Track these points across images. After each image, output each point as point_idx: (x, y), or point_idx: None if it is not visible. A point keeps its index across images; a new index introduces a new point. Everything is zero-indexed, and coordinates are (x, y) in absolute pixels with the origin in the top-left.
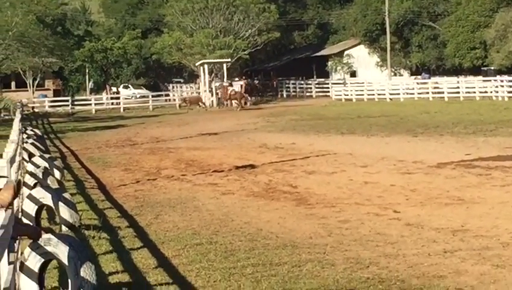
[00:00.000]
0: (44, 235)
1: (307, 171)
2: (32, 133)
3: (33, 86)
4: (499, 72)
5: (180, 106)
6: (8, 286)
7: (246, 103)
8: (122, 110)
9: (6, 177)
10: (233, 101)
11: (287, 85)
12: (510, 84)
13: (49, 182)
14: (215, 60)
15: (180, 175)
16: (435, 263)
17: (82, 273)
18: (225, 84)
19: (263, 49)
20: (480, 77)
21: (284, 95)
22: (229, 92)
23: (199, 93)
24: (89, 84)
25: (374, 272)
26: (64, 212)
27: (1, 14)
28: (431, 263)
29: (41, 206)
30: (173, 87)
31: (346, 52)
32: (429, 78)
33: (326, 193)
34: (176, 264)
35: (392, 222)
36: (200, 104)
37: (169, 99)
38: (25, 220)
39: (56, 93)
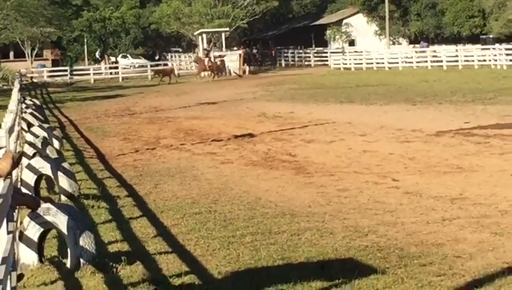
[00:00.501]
0: (44, 205)
1: (306, 140)
2: (31, 103)
3: (31, 56)
4: (498, 40)
5: (152, 78)
6: (7, 255)
7: (244, 72)
8: (120, 80)
9: (5, 147)
10: (205, 73)
11: (285, 54)
12: (508, 52)
13: (48, 151)
14: (214, 30)
15: (179, 144)
16: (434, 231)
17: (81, 243)
18: (201, 55)
19: (261, 18)
20: (479, 45)
21: (283, 64)
22: (205, 63)
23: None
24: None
25: (372, 240)
26: (64, 182)
27: None
28: (429, 231)
29: (40, 176)
30: (171, 56)
31: (344, 21)
32: (428, 46)
33: (325, 161)
34: (175, 233)
35: (391, 190)
36: (172, 76)
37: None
38: (24, 190)
39: (54, 63)
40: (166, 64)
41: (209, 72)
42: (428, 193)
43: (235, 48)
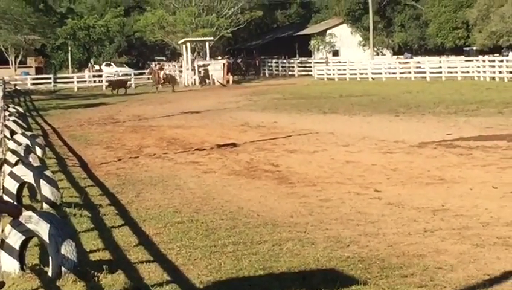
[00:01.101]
0: (25, 213)
1: (289, 150)
2: (14, 110)
3: (15, 64)
4: (481, 52)
5: (106, 88)
6: None
7: (228, 82)
8: (104, 88)
9: None
10: (159, 85)
11: (269, 64)
12: (492, 64)
13: (30, 159)
14: (198, 39)
15: (162, 153)
16: (415, 242)
17: (63, 251)
18: (154, 68)
19: (246, 28)
20: (462, 57)
21: (267, 74)
22: (160, 75)
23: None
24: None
25: (354, 251)
26: (46, 190)
27: None
28: (411, 242)
29: (22, 184)
30: (155, 65)
31: (328, 32)
32: (411, 57)
33: (308, 171)
34: (157, 242)
35: (373, 201)
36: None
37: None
38: (6, 198)
39: (38, 70)
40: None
41: (161, 84)
42: (411, 204)
43: (219, 57)
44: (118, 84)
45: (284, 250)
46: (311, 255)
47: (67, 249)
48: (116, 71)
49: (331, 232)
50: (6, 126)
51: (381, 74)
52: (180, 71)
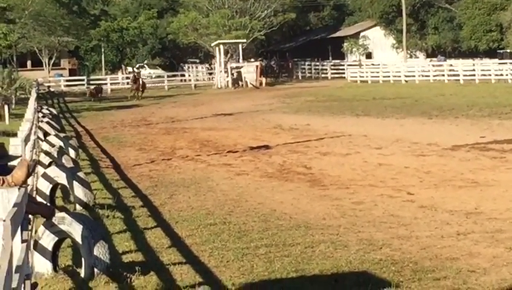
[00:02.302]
0: (58, 214)
1: (321, 153)
2: (47, 112)
3: (49, 65)
4: None
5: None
6: (20, 264)
7: (261, 84)
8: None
9: (21, 155)
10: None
11: (302, 66)
12: None
13: (64, 161)
14: (231, 41)
15: (194, 155)
16: (448, 245)
17: (95, 252)
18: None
19: (279, 30)
20: (496, 60)
21: (300, 76)
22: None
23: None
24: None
25: (386, 253)
26: (79, 191)
27: None
28: (444, 245)
29: (55, 185)
30: (188, 67)
31: (362, 34)
32: (445, 60)
33: (340, 174)
34: (189, 244)
35: (406, 203)
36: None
37: (185, 80)
38: (39, 199)
39: (72, 72)
40: (183, 75)
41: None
42: (443, 207)
43: (252, 60)
44: (92, 93)
45: (316, 252)
46: (344, 258)
47: (100, 251)
48: (150, 73)
49: (364, 235)
50: (39, 128)
51: (414, 76)
52: (210, 73)
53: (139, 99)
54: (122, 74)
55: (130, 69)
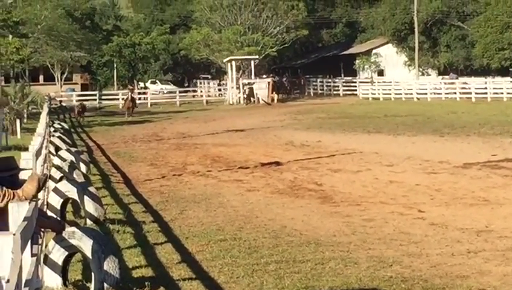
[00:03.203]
0: (69, 229)
1: (333, 169)
2: (59, 126)
3: (61, 80)
4: None
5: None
6: (30, 278)
7: (273, 100)
8: (149, 105)
9: (31, 169)
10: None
11: (314, 83)
12: None
13: (75, 175)
14: (243, 57)
15: (205, 171)
16: (459, 263)
17: (105, 267)
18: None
19: (291, 46)
20: (508, 78)
21: (311, 93)
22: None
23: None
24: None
25: (397, 271)
26: (89, 206)
27: (30, 8)
28: (454, 263)
29: (66, 200)
30: (200, 83)
31: (374, 51)
32: (457, 78)
33: (351, 191)
34: (200, 259)
35: (417, 221)
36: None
37: (197, 96)
38: (49, 213)
39: (84, 87)
40: (195, 91)
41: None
42: (454, 224)
43: (264, 76)
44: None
45: (326, 269)
46: (354, 275)
47: (110, 265)
48: (161, 89)
49: (374, 252)
50: (51, 142)
51: (426, 94)
52: (219, 90)
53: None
54: (135, 89)
55: (142, 84)
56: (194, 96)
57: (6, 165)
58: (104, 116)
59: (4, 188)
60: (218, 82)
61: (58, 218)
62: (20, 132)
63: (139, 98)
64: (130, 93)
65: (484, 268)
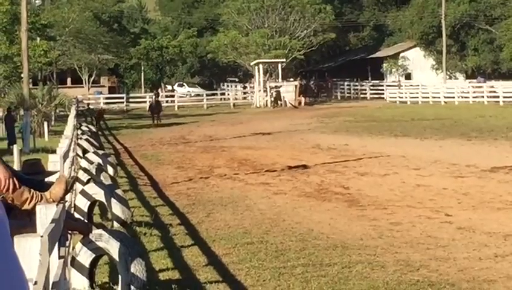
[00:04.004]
0: (96, 231)
1: (359, 173)
2: (86, 129)
3: (88, 83)
4: None
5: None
6: (57, 280)
7: (300, 104)
8: (176, 108)
9: (59, 172)
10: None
11: (341, 86)
12: None
13: (102, 178)
14: (270, 60)
15: (232, 174)
16: (486, 267)
17: (132, 269)
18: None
19: (318, 49)
20: None
21: (338, 97)
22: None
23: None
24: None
25: (424, 275)
26: (117, 208)
27: (58, 11)
28: (482, 267)
29: (93, 202)
30: (227, 86)
31: (401, 55)
32: (485, 81)
33: (378, 194)
34: (226, 262)
35: (444, 225)
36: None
37: (224, 99)
38: (77, 216)
39: (111, 90)
40: (223, 94)
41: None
42: (482, 228)
43: (291, 79)
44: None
45: (353, 273)
46: (381, 279)
47: (137, 268)
48: (189, 91)
49: (401, 256)
50: (78, 145)
51: (453, 97)
52: (244, 93)
53: (157, 125)
54: (162, 92)
55: (169, 87)
56: (222, 99)
57: (33, 169)
58: (131, 118)
59: (32, 191)
60: (243, 85)
61: (86, 220)
62: (48, 134)
63: (166, 101)
64: (154, 97)
65: (511, 272)
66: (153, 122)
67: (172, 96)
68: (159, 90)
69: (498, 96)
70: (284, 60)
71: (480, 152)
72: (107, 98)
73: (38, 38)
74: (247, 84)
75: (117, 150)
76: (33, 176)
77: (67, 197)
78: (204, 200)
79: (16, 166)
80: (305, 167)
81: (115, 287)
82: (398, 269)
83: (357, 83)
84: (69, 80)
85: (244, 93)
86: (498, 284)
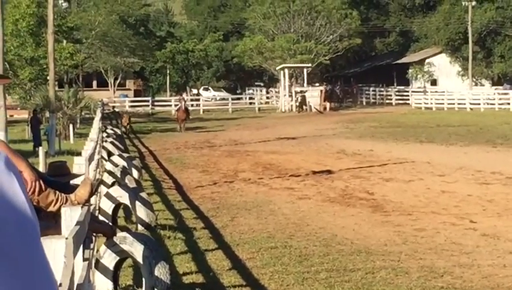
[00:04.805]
0: (120, 234)
1: (384, 179)
2: (111, 132)
3: (114, 86)
4: None
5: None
6: (81, 282)
7: (325, 109)
8: (201, 112)
9: (84, 174)
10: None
11: (366, 92)
12: None
13: (127, 181)
14: (296, 65)
15: (257, 178)
16: (510, 274)
17: (156, 273)
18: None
19: (344, 55)
20: None
21: (364, 102)
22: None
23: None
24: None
25: (448, 281)
26: (141, 211)
27: (85, 14)
28: (506, 274)
29: (118, 205)
30: (252, 90)
31: (427, 61)
32: (511, 88)
33: (403, 200)
34: (250, 266)
35: (468, 232)
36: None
37: (249, 103)
38: (101, 218)
39: (136, 93)
40: (251, 98)
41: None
42: (506, 235)
43: (317, 84)
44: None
45: (377, 278)
46: (405, 285)
47: (161, 271)
48: (214, 95)
49: (425, 262)
50: (103, 147)
51: (479, 104)
52: (267, 97)
53: (184, 130)
54: (187, 95)
55: (194, 91)
56: (247, 103)
57: (59, 171)
58: (156, 122)
59: (57, 193)
60: (266, 90)
61: (110, 223)
62: (73, 137)
63: (191, 105)
64: (182, 103)
65: None
66: (180, 129)
67: (198, 100)
68: (184, 95)
69: None
70: (310, 64)
71: (506, 159)
72: (132, 101)
73: (64, 41)
74: (270, 89)
75: (142, 153)
76: (58, 178)
77: (92, 199)
78: (229, 204)
79: (41, 168)
80: (329, 172)
81: None
82: (422, 276)
83: (382, 89)
84: (94, 82)
85: (267, 97)
86: None
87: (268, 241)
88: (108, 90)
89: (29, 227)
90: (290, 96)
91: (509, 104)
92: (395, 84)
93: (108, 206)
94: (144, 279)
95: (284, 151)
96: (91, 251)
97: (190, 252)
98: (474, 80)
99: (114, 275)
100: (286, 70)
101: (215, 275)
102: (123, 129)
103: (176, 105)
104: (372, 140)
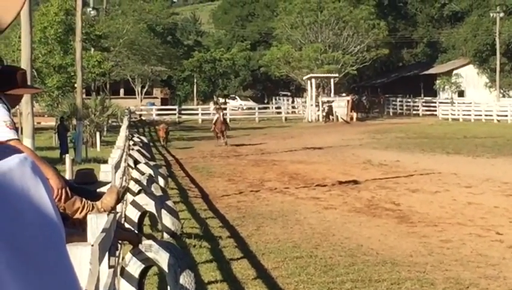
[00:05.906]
0: (146, 242)
1: (410, 189)
2: (138, 140)
3: (141, 94)
4: None
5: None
6: (107, 289)
7: (351, 119)
8: (228, 121)
9: (110, 182)
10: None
11: (393, 102)
12: None
13: (153, 189)
14: (323, 75)
15: (283, 188)
16: None
17: (181, 281)
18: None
19: (371, 65)
20: None
21: (391, 113)
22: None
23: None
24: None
25: None
26: (167, 219)
27: (113, 22)
28: None
29: (144, 213)
30: (279, 100)
31: (454, 72)
32: None
33: (429, 211)
34: (275, 276)
35: (494, 243)
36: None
37: (276, 112)
38: (127, 226)
39: (163, 101)
40: (279, 107)
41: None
42: None
43: (344, 94)
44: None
45: (402, 289)
46: None
47: (186, 280)
48: (241, 105)
49: (451, 274)
50: (130, 155)
51: (507, 116)
52: (293, 107)
53: (227, 144)
54: (214, 104)
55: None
56: (278, 112)
57: (86, 178)
58: (183, 130)
59: (83, 200)
60: (291, 100)
61: (136, 231)
62: (100, 145)
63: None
64: (220, 114)
65: None
66: (223, 142)
67: (225, 109)
68: (221, 103)
69: None
70: (337, 74)
71: None
72: (159, 110)
73: (92, 49)
74: (296, 98)
75: (168, 161)
76: (85, 186)
77: (118, 207)
78: (254, 214)
79: (68, 175)
80: (355, 182)
81: None
82: (447, 287)
83: (409, 100)
84: (121, 90)
85: (293, 107)
86: None
87: (293, 251)
88: (136, 98)
89: (55, 231)
90: (317, 106)
91: None
92: (422, 95)
93: (134, 214)
94: (169, 287)
95: (310, 161)
96: (116, 259)
97: (215, 261)
98: (501, 91)
99: (139, 283)
100: (313, 80)
101: (240, 285)
102: (162, 142)
103: (203, 114)
104: (398, 151)
